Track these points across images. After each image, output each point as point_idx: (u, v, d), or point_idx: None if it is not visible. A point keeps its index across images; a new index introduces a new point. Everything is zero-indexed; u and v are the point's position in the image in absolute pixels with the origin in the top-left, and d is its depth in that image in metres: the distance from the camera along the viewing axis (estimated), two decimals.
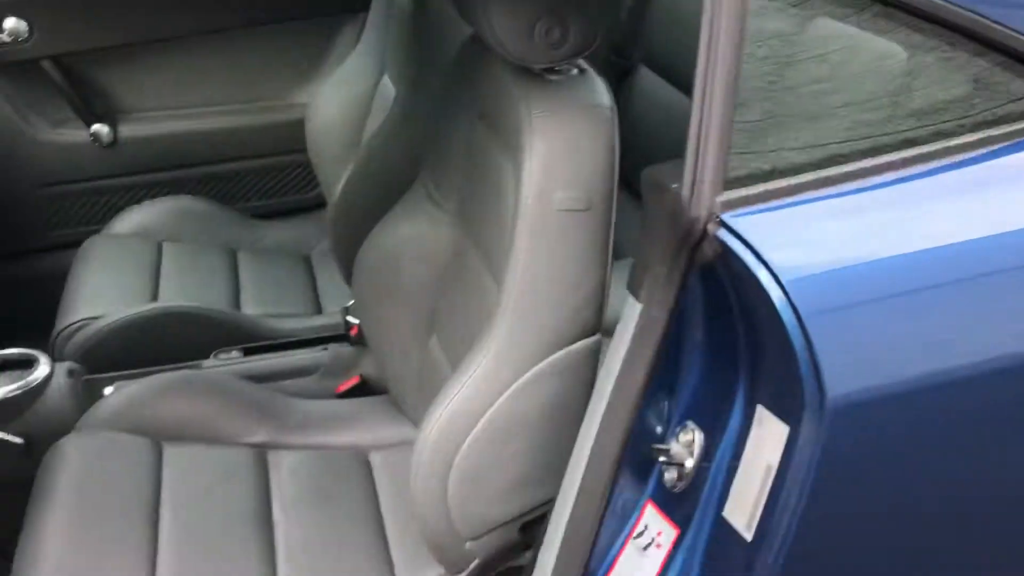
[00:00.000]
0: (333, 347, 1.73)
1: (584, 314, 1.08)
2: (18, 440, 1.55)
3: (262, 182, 2.34)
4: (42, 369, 1.59)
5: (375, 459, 1.55)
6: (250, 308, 1.90)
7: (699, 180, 0.86)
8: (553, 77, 1.09)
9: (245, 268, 2.06)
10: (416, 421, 1.55)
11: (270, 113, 2.28)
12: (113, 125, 2.20)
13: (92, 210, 2.28)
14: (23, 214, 2.24)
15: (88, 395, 1.64)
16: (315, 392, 1.68)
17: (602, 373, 1.01)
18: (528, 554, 1.25)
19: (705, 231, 0.88)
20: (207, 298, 1.87)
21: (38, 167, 2.20)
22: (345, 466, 1.52)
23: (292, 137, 2.26)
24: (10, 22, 2.03)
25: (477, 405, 1.09)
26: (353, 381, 1.70)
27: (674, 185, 0.89)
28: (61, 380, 1.60)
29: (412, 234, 1.46)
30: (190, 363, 1.70)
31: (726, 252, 0.88)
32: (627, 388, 0.98)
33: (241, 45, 2.22)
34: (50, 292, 1.99)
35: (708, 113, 0.85)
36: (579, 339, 1.09)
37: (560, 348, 1.09)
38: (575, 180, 1.04)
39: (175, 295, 1.89)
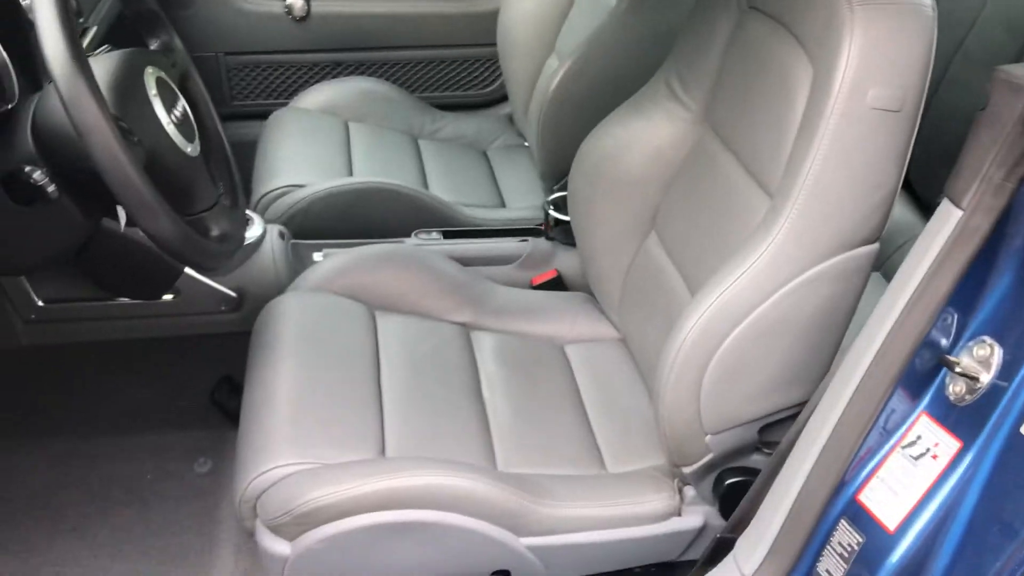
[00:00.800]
0: (532, 240, 1.74)
1: (874, 219, 1.06)
2: (232, 293, 1.60)
3: (446, 72, 2.33)
4: (256, 228, 1.62)
5: (570, 351, 1.56)
6: (439, 193, 1.91)
7: None
8: None
9: (428, 156, 2.07)
10: (617, 319, 1.56)
11: (463, 2, 2.26)
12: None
13: (275, 83, 2.30)
14: (207, 79, 2.27)
15: (297, 258, 1.67)
16: (512, 281, 1.70)
17: (898, 278, 1.00)
18: (755, 457, 1.26)
19: None
20: (400, 177, 1.88)
21: (228, 33, 2.22)
22: (545, 353, 1.53)
23: (481, 29, 2.25)
24: None
25: (747, 301, 1.08)
26: (550, 275, 1.71)
27: None
28: (273, 240, 1.64)
29: (646, 129, 1.44)
30: (393, 239, 1.72)
31: None
32: (929, 296, 0.96)
33: None
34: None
35: None
36: (863, 244, 1.07)
37: (843, 252, 1.07)
38: (893, 78, 1.00)
39: (369, 171, 1.91)
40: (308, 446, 1.22)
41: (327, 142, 1.99)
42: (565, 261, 1.73)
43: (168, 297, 1.59)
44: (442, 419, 1.33)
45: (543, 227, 1.78)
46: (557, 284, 1.71)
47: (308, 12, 2.21)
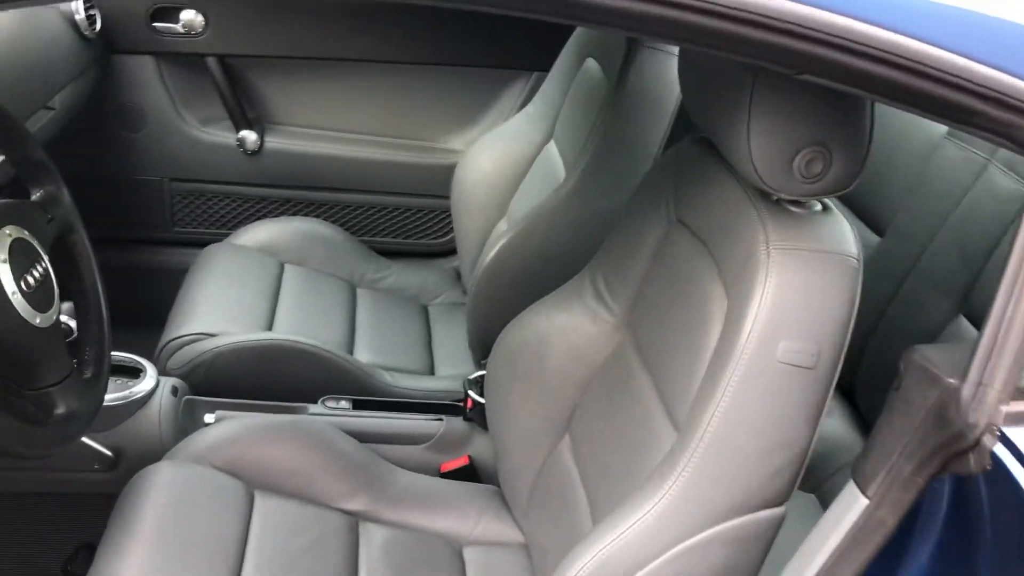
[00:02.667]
0: (448, 420, 1.61)
1: (780, 480, 0.94)
2: (108, 452, 1.46)
3: (395, 219, 2.25)
4: (147, 382, 1.51)
5: (469, 554, 1.42)
6: (363, 353, 1.80)
7: (986, 382, 0.72)
8: (797, 210, 0.96)
9: (363, 307, 1.97)
10: (523, 522, 1.43)
11: (419, 153, 2.20)
12: (261, 134, 2.14)
13: (220, 214, 2.22)
14: (153, 204, 2.20)
15: (188, 416, 1.54)
16: (419, 463, 1.56)
17: (795, 564, 0.87)
18: None
19: (978, 441, 0.74)
20: (322, 334, 1.77)
21: (178, 160, 2.16)
22: (438, 556, 1.39)
23: (435, 181, 2.18)
24: (188, 14, 2.00)
25: (630, 561, 0.95)
26: (461, 461, 1.58)
27: (950, 380, 0.75)
28: (164, 396, 1.51)
29: (568, 325, 1.33)
30: (296, 404, 1.60)
31: (997, 470, 0.74)
32: None
33: (407, 80, 2.15)
34: (165, 286, 1.94)
35: (1013, 311, 0.71)
36: (767, 507, 0.95)
37: (743, 514, 0.94)
38: (807, 332, 0.90)
39: (291, 325, 1.80)
40: None
41: (254, 286, 1.89)
42: (480, 446, 1.60)
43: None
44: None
45: (463, 404, 1.66)
46: (468, 472, 1.58)
47: (261, 147, 2.14)
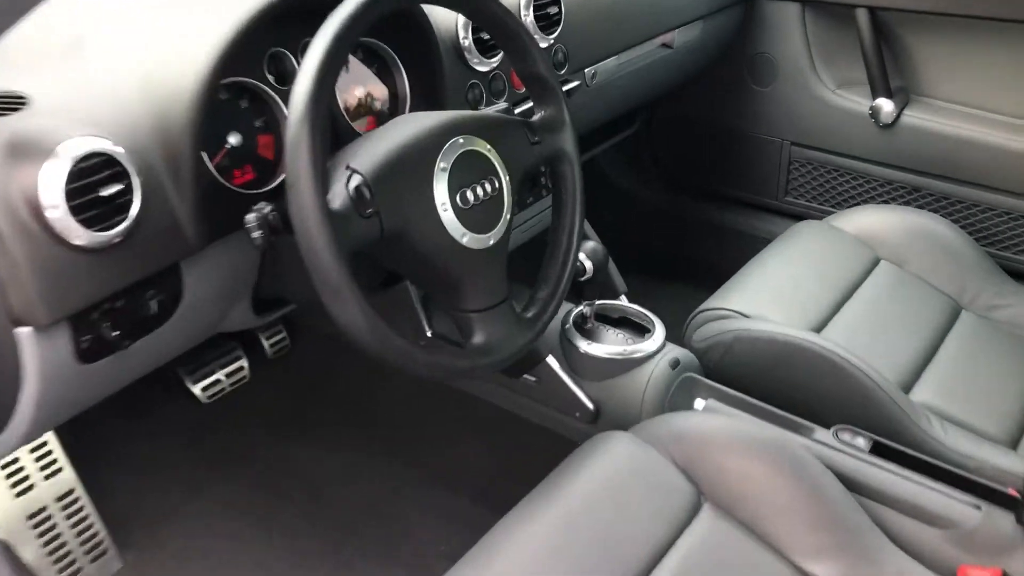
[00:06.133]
0: (989, 511, 1.16)
1: None
2: (589, 404, 1.38)
3: None
4: (649, 344, 1.37)
5: None
6: (926, 390, 1.40)
7: None
8: None
9: (958, 335, 1.53)
10: None
11: None
12: (901, 105, 1.80)
13: (836, 190, 1.96)
14: (767, 166, 2.03)
15: (683, 393, 1.37)
16: (928, 551, 1.16)
17: None
18: None
19: None
20: (884, 352, 1.43)
21: (804, 123, 1.94)
22: None
23: None
24: None
25: None
26: (992, 573, 1.13)
27: None
28: (660, 365, 1.36)
29: None
30: (803, 423, 1.31)
31: None
32: None
33: None
34: (749, 256, 1.77)
35: None
36: None
37: None
38: None
39: (850, 331, 1.48)
40: None
41: (831, 276, 1.60)
42: (1021, 562, 1.12)
43: (530, 379, 1.43)
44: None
45: (1016, 496, 1.18)
46: None
47: (896, 119, 1.80)
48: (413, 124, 0.98)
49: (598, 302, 1.45)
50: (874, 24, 1.78)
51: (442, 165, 0.96)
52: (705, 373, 1.44)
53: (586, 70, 1.55)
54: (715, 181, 2.12)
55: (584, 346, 1.38)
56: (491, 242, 1.00)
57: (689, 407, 1.36)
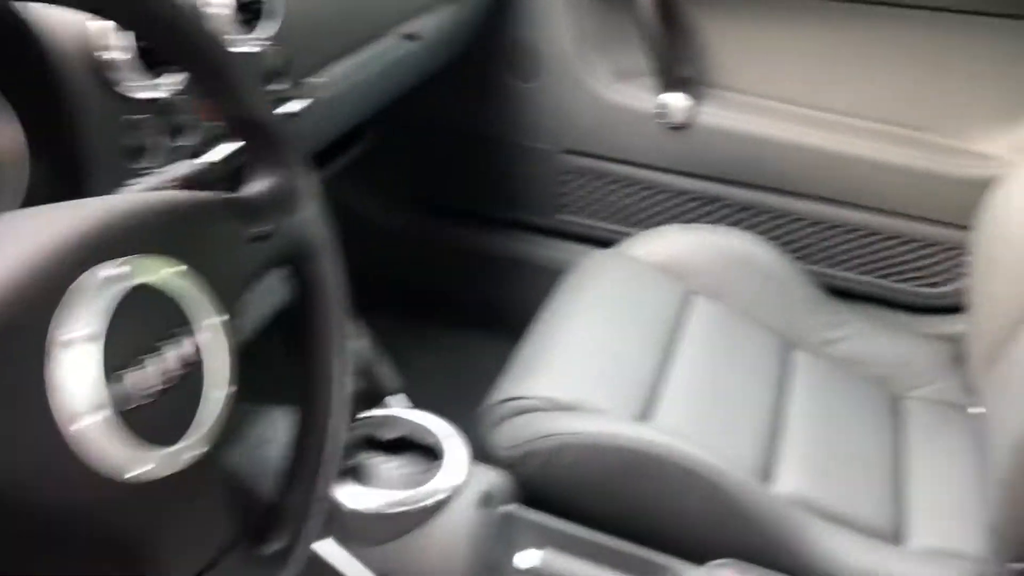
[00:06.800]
0: None
1: None
2: None
3: (871, 249, 1.49)
4: (446, 478, 0.95)
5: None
6: (790, 476, 1.10)
7: None
8: None
9: (802, 386, 1.25)
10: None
11: (931, 155, 1.41)
12: (694, 100, 1.49)
13: (622, 204, 1.62)
14: (536, 180, 1.66)
15: (500, 543, 0.97)
16: None
17: None
18: None
19: None
20: (730, 435, 1.11)
21: (576, 125, 1.59)
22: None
23: (948, 200, 1.40)
24: None
25: None
26: None
27: None
28: (468, 509, 0.95)
29: None
30: (673, 562, 0.96)
31: None
32: None
33: (946, 35, 1.36)
34: (531, 289, 1.41)
35: None
36: None
37: None
38: None
39: (681, 409, 1.15)
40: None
41: (647, 328, 1.26)
42: None
43: None
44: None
45: None
46: None
47: (690, 119, 1.50)
48: (7, 248, 0.48)
49: (362, 417, 1.01)
50: (658, 1, 1.45)
51: (71, 334, 0.47)
52: (519, 486, 1.05)
53: (312, 79, 1.08)
54: (477, 199, 1.73)
55: (349, 498, 0.93)
56: (188, 456, 0.53)
57: (510, 566, 0.96)
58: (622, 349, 1.22)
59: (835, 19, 1.39)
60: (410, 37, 1.28)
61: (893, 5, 1.33)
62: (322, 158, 1.49)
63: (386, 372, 1.09)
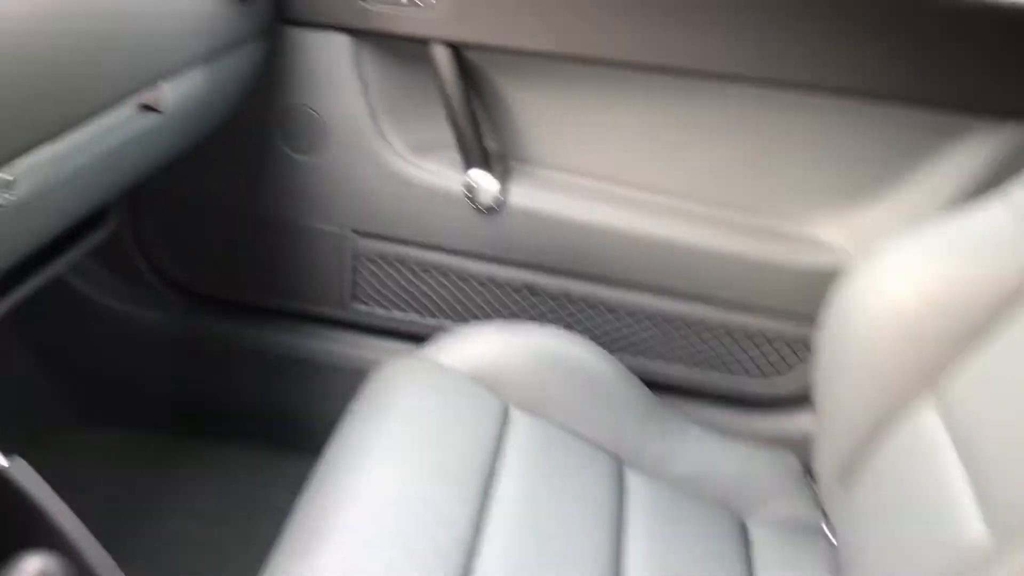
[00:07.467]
0: None
1: None
2: None
3: (702, 341, 1.35)
4: None
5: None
6: None
7: None
8: None
9: (637, 522, 1.07)
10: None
11: (761, 241, 1.28)
12: (503, 179, 1.31)
13: (423, 294, 1.41)
14: (325, 266, 1.43)
15: None
16: None
17: None
18: None
19: None
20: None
21: (370, 204, 1.36)
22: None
23: (785, 291, 1.27)
24: None
25: None
26: None
27: None
28: None
29: None
30: None
31: None
32: None
33: (769, 112, 1.23)
34: (325, 393, 1.28)
35: None
36: None
37: None
38: None
39: (510, 566, 0.94)
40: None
41: (454, 467, 1.04)
42: None
43: None
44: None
45: None
46: None
47: (500, 201, 1.31)
48: None
49: None
50: (460, 65, 1.26)
51: None
52: None
53: (1, 173, 0.80)
54: (254, 289, 1.46)
55: None
56: None
57: None
58: (431, 495, 1.00)
59: (661, 92, 1.24)
60: (149, 108, 1.02)
61: (722, 79, 1.19)
62: (56, 241, 1.21)
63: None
